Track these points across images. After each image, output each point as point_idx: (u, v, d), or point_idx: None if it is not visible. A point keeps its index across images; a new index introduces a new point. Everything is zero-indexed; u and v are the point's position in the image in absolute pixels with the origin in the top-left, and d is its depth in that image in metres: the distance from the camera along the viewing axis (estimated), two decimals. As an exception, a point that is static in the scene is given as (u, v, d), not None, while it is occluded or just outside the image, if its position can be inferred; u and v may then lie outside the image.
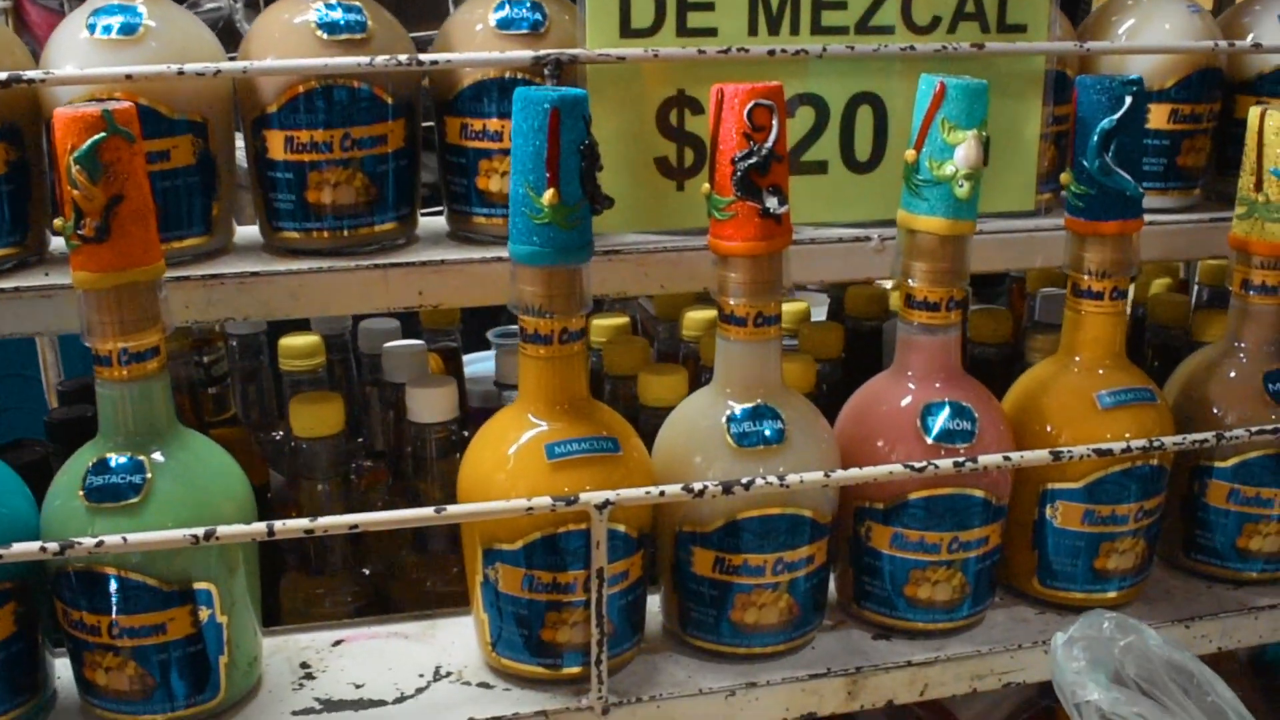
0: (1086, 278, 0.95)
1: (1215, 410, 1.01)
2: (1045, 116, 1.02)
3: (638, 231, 0.97)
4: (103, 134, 0.72)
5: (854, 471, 0.88)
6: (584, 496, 0.83)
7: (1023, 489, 0.97)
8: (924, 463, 0.88)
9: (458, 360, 1.32)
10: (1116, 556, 0.98)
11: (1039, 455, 0.91)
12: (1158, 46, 1.04)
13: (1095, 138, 0.90)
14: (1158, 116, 1.07)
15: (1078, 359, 0.97)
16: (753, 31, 0.94)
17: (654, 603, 0.97)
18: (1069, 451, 0.91)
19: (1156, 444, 0.93)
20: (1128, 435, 0.94)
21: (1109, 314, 0.96)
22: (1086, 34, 1.09)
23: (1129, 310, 1.34)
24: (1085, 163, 0.91)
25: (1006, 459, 0.90)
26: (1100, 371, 0.97)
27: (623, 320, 1.28)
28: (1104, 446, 0.92)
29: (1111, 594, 1.00)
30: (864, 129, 0.99)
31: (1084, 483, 0.95)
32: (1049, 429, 0.96)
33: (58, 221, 0.76)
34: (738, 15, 0.94)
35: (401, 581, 1.07)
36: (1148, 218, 0.98)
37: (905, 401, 0.92)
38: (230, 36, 1.60)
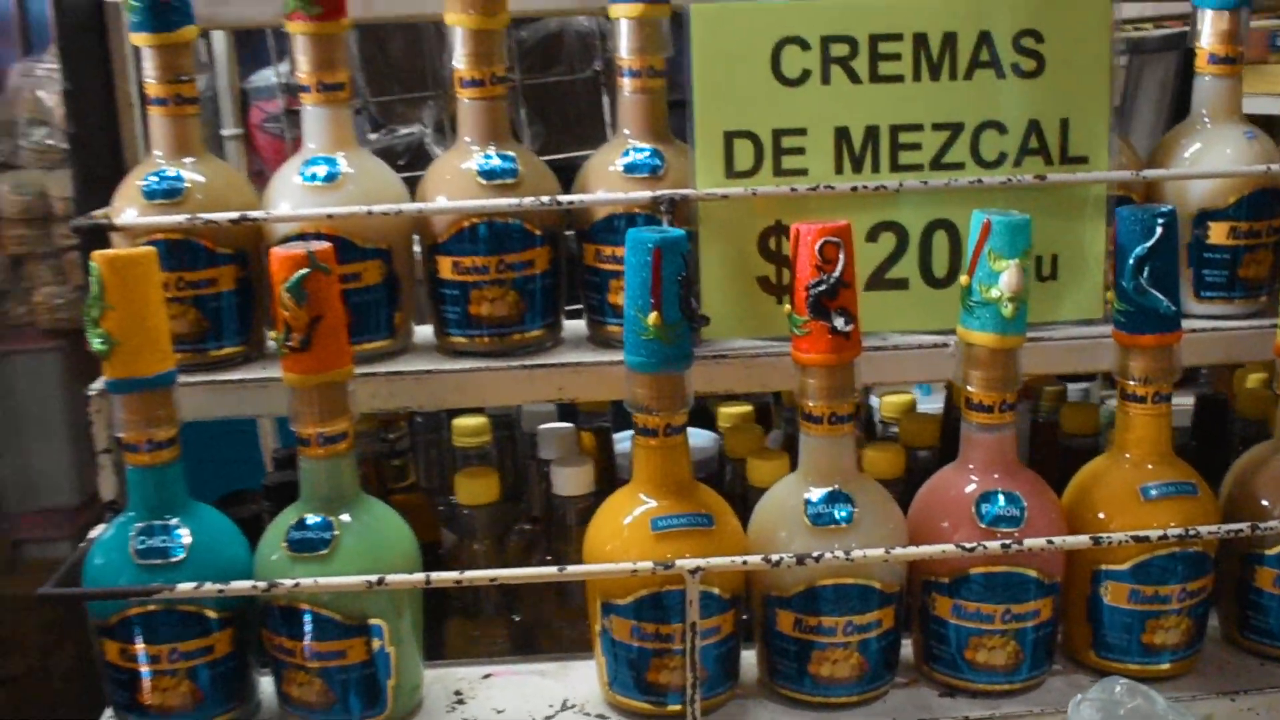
0: (1131, 383, 1.08)
1: (1262, 501, 1.12)
2: (1109, 235, 1.16)
3: (744, 338, 1.15)
4: (306, 270, 0.95)
5: (910, 550, 1.03)
6: (679, 562, 1.00)
7: (1077, 569, 1.10)
8: (974, 544, 1.03)
9: (608, 438, 1.52)
10: (1163, 633, 1.10)
11: (1080, 540, 1.04)
12: (1208, 172, 1.17)
13: (1130, 262, 1.04)
14: (1218, 233, 1.19)
15: (1127, 455, 1.10)
16: (838, 170, 1.12)
17: (752, 656, 1.13)
18: (1108, 537, 1.04)
19: (1191, 533, 1.05)
20: (1170, 524, 1.07)
21: (1153, 415, 1.09)
22: (1155, 160, 1.22)
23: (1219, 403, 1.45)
24: (1123, 284, 1.05)
25: (1050, 543, 1.04)
26: (1147, 466, 1.09)
27: (746, 409, 1.45)
28: (1141, 534, 1.05)
29: (1164, 666, 1.11)
30: (940, 250, 1.14)
31: (1130, 565, 1.08)
32: (1100, 516, 1.09)
33: (271, 333, 0.98)
34: (825, 157, 1.11)
35: (544, 628, 1.27)
36: (1214, 324, 1.10)
37: (964, 489, 1.07)
38: (421, 156, 1.87)
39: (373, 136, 1.86)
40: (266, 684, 1.10)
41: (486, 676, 1.17)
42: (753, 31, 1.09)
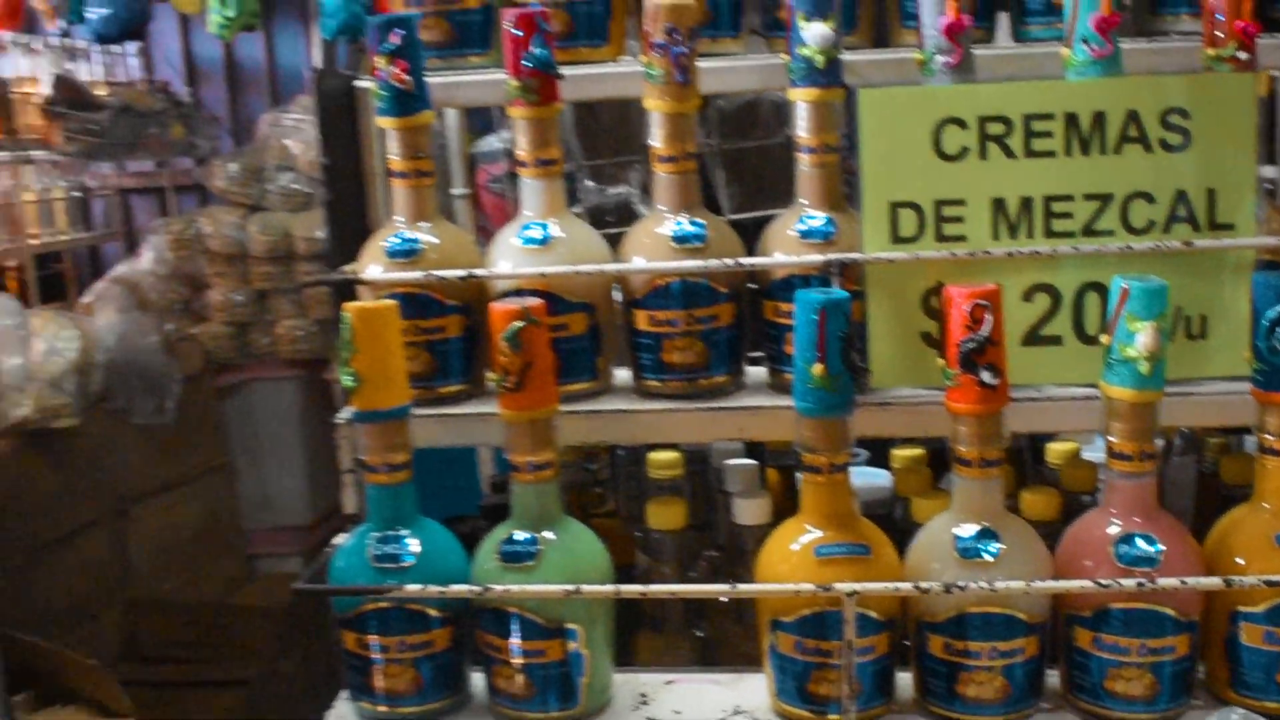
0: (1268, 437, 1.16)
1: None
2: (1254, 299, 1.24)
3: (907, 387, 1.27)
4: (521, 323, 1.12)
5: (1048, 584, 1.14)
6: (838, 586, 1.13)
7: (1216, 610, 1.18)
8: (1109, 581, 1.12)
9: (792, 475, 1.64)
10: (1299, 673, 1.17)
11: (1212, 582, 1.13)
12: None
13: (1264, 324, 1.12)
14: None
15: (1265, 504, 1.18)
16: (995, 237, 1.23)
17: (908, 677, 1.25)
18: (1240, 580, 1.13)
19: (1323, 580, 1.13)
20: (1305, 571, 1.14)
21: (1289, 468, 1.16)
22: (1308, 229, 1.29)
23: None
24: (1259, 344, 1.13)
25: (1183, 583, 1.12)
26: (1285, 516, 1.17)
27: (919, 452, 1.57)
28: (1273, 579, 1.12)
29: (1302, 705, 1.18)
30: (1092, 310, 1.24)
31: (1264, 608, 1.16)
32: (1237, 561, 1.17)
33: (490, 375, 1.15)
34: (982, 225, 1.23)
35: (722, 644, 1.41)
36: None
37: (1105, 531, 1.17)
38: (628, 214, 2.04)
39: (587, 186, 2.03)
40: (476, 679, 1.27)
41: (669, 682, 1.31)
42: (916, 113, 1.21)
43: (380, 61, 1.26)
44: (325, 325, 3.76)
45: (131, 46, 4.20)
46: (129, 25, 3.63)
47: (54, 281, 4.10)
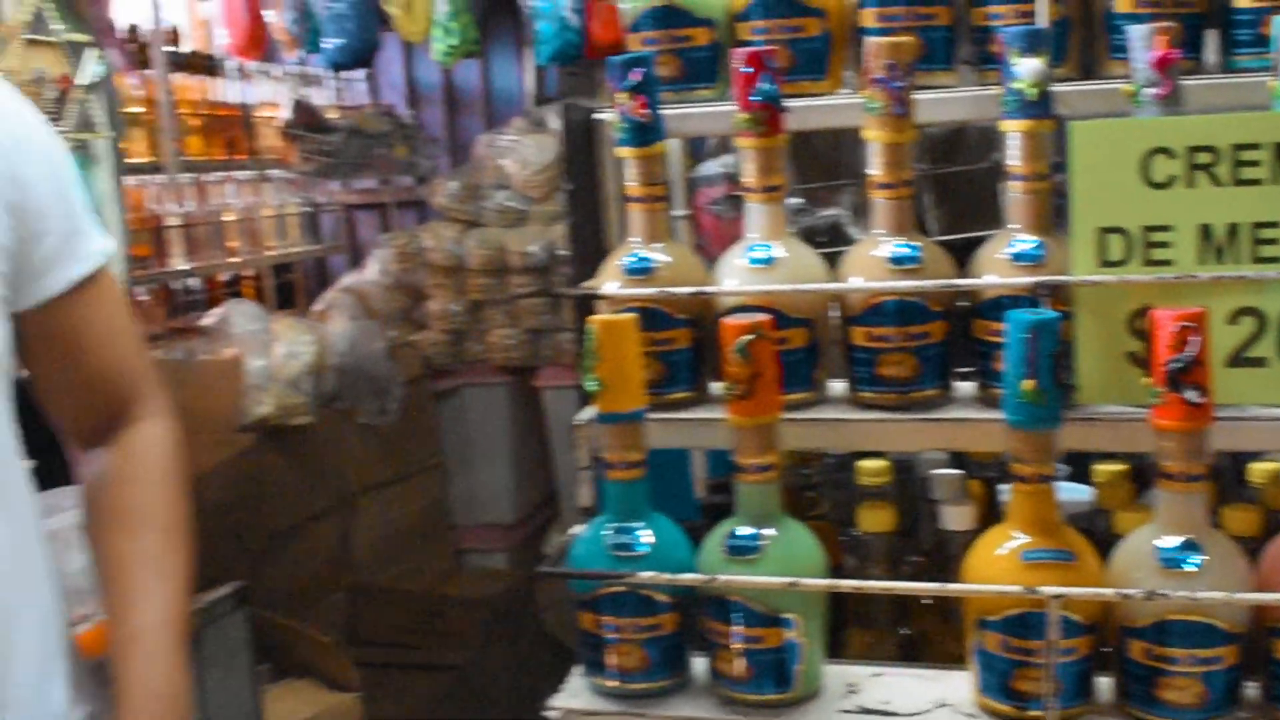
0: None
1: None
2: None
3: (1113, 404, 1.33)
4: (751, 336, 1.22)
5: (1246, 595, 1.19)
6: (1043, 589, 1.21)
7: None
8: (1311, 593, 1.17)
9: (994, 487, 1.71)
10: None
11: None
12: None
13: None
14: None
15: None
16: (1201, 262, 1.29)
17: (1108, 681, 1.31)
18: None
19: None
20: None
21: None
22: None
23: None
24: None
25: (1385, 599, 1.16)
26: None
27: (1122, 467, 1.62)
28: None
29: None
30: (1299, 334, 1.29)
31: None
32: None
33: (722, 384, 1.27)
34: (1189, 250, 1.28)
35: (927, 643, 1.49)
36: None
37: (1309, 547, 1.21)
38: (839, 236, 2.13)
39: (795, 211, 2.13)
40: (697, 663, 1.38)
41: (876, 675, 1.40)
42: (1125, 143, 1.28)
43: (621, 97, 1.38)
44: (534, 335, 3.95)
45: (359, 73, 4.47)
46: (360, 54, 3.88)
47: (285, 290, 4.40)
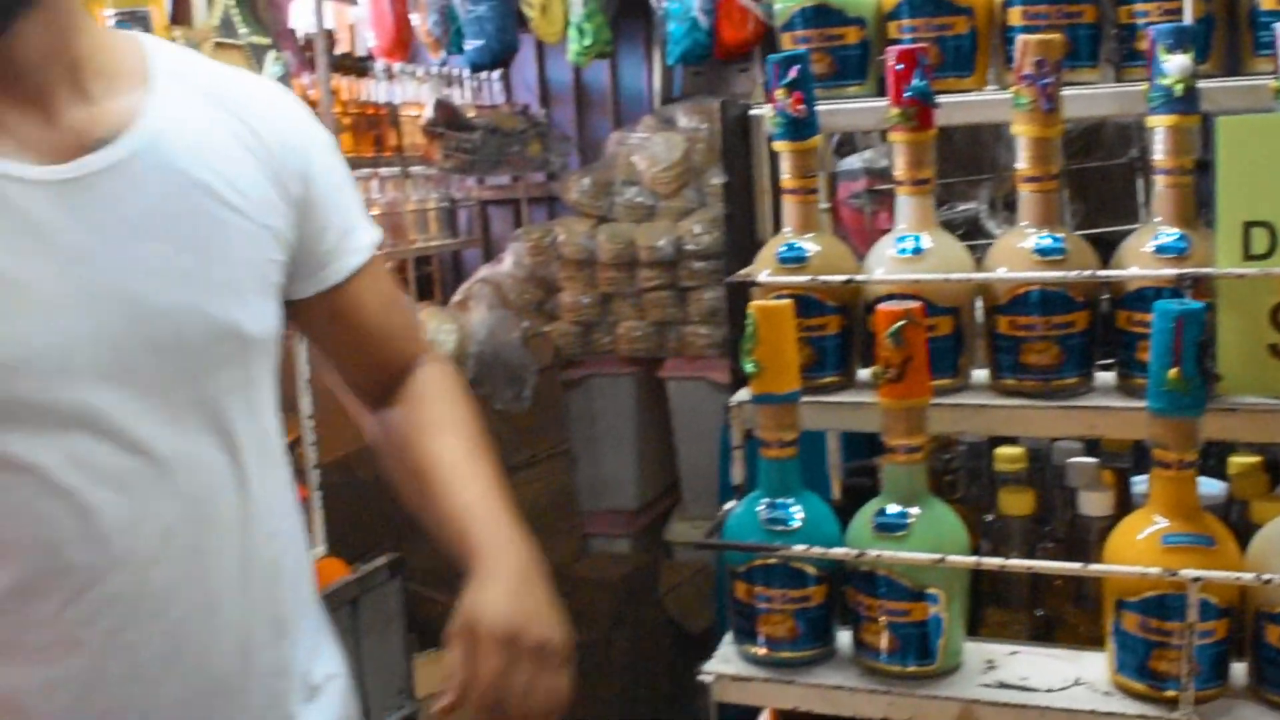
0: None
1: None
2: None
3: (1254, 395, 1.37)
4: (904, 322, 1.29)
5: (1391, 579, 1.22)
6: (1183, 572, 1.25)
7: None
8: None
9: (1126, 478, 1.75)
10: None
11: None
12: None
13: None
14: None
15: None
16: (1349, 257, 1.31)
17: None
18: None
19: None
20: None
21: None
22: None
23: None
24: None
25: None
26: None
27: (1256, 459, 1.64)
28: None
29: None
30: None
31: None
32: None
33: (874, 369, 1.33)
34: (1336, 247, 1.32)
35: (1061, 624, 1.53)
36: None
37: None
38: (976, 229, 2.17)
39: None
40: (842, 637, 1.44)
41: (1013, 653, 1.45)
42: (1272, 139, 1.31)
43: (779, 94, 1.45)
44: (661, 327, 4.04)
45: (495, 73, 4.59)
46: (499, 55, 4.01)
47: (423, 282, 4.55)
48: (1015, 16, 1.51)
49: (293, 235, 1.25)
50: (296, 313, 1.31)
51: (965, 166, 2.23)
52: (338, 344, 1.36)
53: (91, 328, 1.08)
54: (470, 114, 4.19)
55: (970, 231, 2.12)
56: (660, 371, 4.08)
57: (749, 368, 1.36)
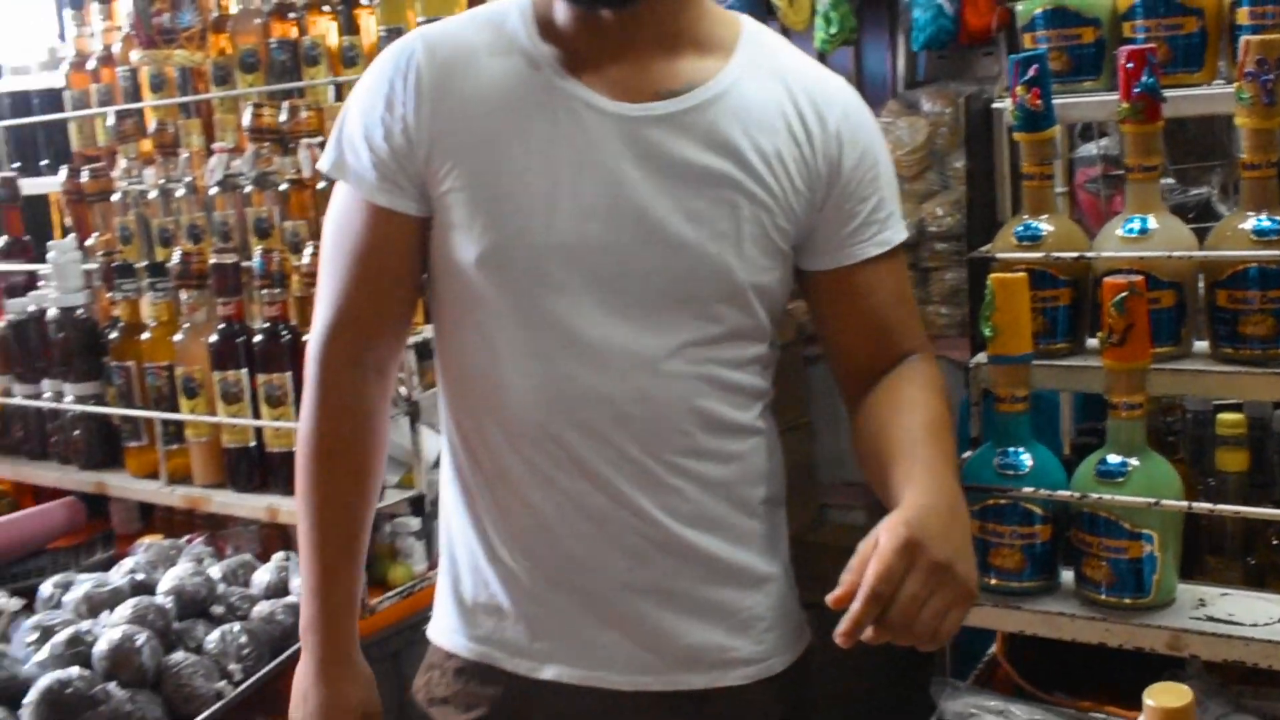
0: None
1: None
2: None
3: None
4: (1126, 293, 1.47)
5: None
6: (1383, 518, 1.39)
7: None
8: None
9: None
10: None
11: None
12: None
13: None
14: None
15: None
16: None
17: None
18: None
19: None
20: None
21: None
22: None
23: None
24: None
25: None
26: None
27: None
28: None
29: None
30: None
31: None
32: None
33: (1100, 335, 1.51)
34: None
35: (1273, 571, 1.68)
36: None
37: None
38: (1208, 213, 2.29)
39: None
40: (1065, 573, 1.63)
41: (1224, 594, 1.61)
42: None
43: (1019, 90, 1.64)
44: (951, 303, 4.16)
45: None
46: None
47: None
48: (1243, 16, 1.65)
49: (807, 212, 1.39)
50: (809, 284, 1.46)
51: (1198, 154, 2.34)
52: (841, 324, 1.48)
53: (606, 236, 1.33)
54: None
55: (1202, 214, 2.24)
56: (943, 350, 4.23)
57: (986, 332, 1.55)
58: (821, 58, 5.08)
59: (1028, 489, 1.55)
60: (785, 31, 4.82)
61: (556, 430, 1.36)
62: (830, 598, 1.20)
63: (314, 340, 1.44)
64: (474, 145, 1.35)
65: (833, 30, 4.25)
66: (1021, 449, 1.58)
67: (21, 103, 3.10)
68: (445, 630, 1.50)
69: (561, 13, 1.37)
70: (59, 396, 2.67)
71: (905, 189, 4.26)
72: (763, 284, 1.39)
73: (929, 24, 4.14)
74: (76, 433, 2.64)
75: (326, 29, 2.53)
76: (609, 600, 1.40)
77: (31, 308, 2.70)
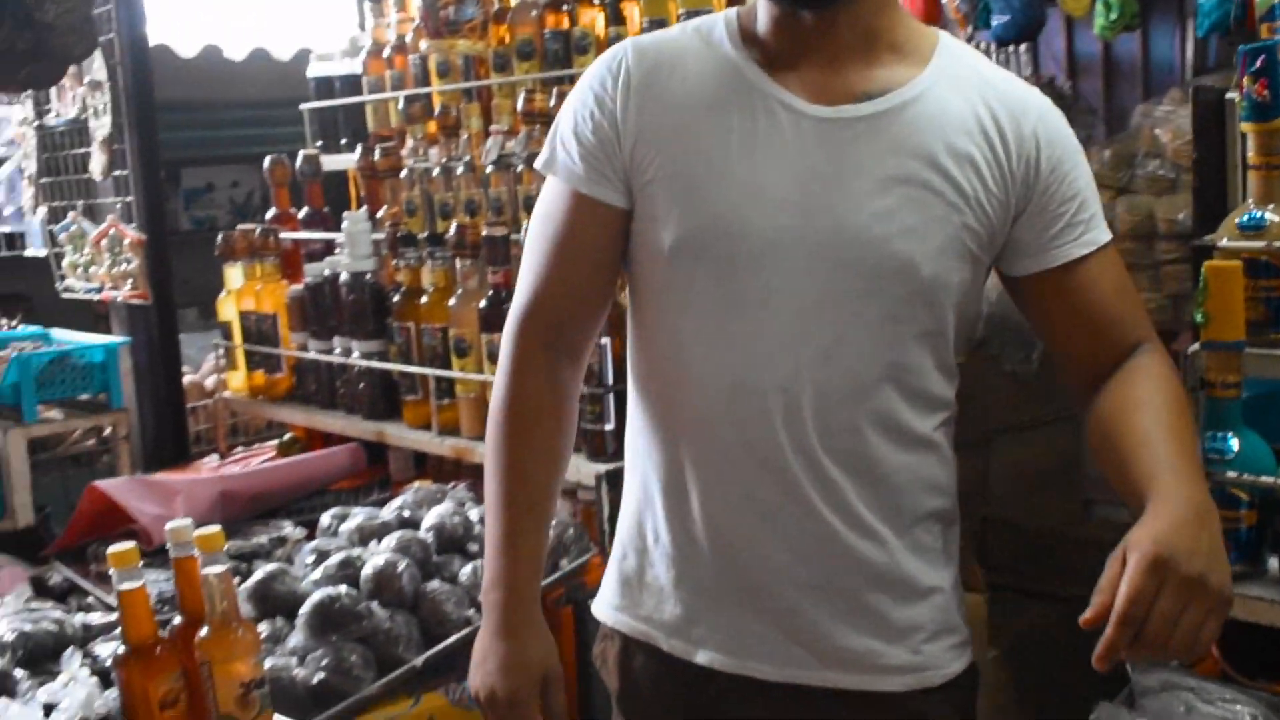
0: None
1: None
2: None
3: None
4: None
5: None
6: None
7: None
8: None
9: None
10: None
11: None
12: None
13: None
14: None
15: None
16: None
17: None
18: None
19: None
20: None
21: None
22: None
23: None
24: None
25: None
26: None
27: None
28: None
29: None
30: None
31: None
32: None
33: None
34: None
35: None
36: None
37: None
38: None
39: None
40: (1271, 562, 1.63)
41: None
42: None
43: (1246, 81, 1.64)
44: (1176, 300, 4.07)
45: (1023, 46, 4.76)
46: (1026, 29, 4.19)
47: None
48: None
49: (1001, 215, 1.42)
50: (1022, 289, 1.48)
51: None
52: (1056, 322, 1.49)
53: (799, 230, 1.40)
54: (995, 88, 4.39)
55: None
56: (1175, 345, 4.11)
57: (1199, 318, 1.57)
58: (1105, 47, 4.97)
59: (1232, 473, 1.56)
60: (1067, 17, 4.74)
61: (735, 418, 1.43)
62: (1083, 619, 1.21)
63: (511, 319, 1.54)
64: (675, 139, 1.44)
65: (1113, 16, 4.15)
66: (1230, 434, 1.59)
67: (325, 87, 3.40)
68: (609, 606, 1.59)
69: (764, 19, 1.46)
70: (347, 352, 2.94)
71: (1184, 179, 4.13)
72: (950, 284, 1.43)
73: (1214, 9, 4.00)
74: (361, 386, 2.92)
75: (595, 19, 2.70)
76: (769, 593, 1.45)
77: (326, 272, 2.99)
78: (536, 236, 1.54)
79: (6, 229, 3.97)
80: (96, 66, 3.25)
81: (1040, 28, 4.31)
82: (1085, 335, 1.48)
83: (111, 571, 1.67)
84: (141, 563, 1.69)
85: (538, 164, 1.55)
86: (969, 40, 4.59)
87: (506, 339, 1.55)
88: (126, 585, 1.67)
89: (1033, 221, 1.45)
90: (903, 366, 1.44)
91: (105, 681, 1.82)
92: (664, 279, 1.46)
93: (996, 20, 4.23)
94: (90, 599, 2.32)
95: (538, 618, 1.54)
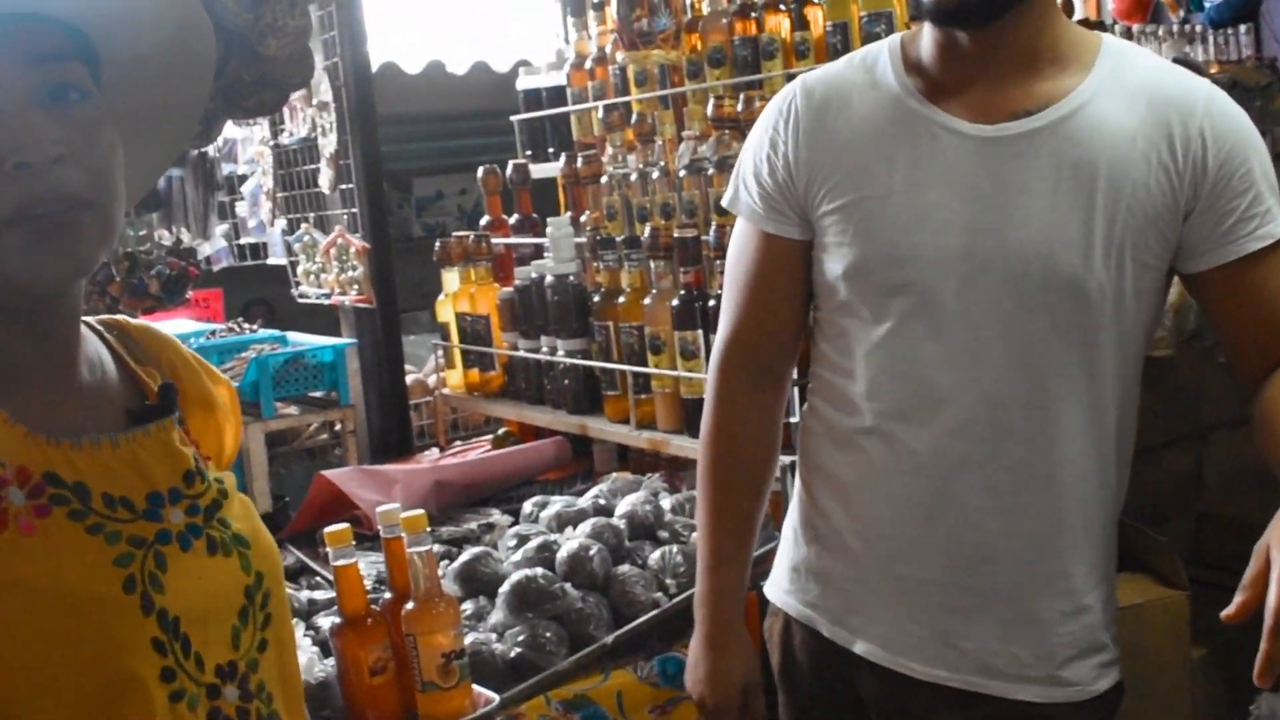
0: None
1: None
2: None
3: None
4: None
5: None
6: None
7: None
8: None
9: None
10: None
11: None
12: None
13: None
14: None
15: None
16: None
17: None
18: None
19: None
20: None
21: None
22: None
23: None
24: None
25: None
26: None
27: None
28: None
29: None
30: None
31: None
32: None
33: None
34: None
35: None
36: None
37: None
38: None
39: None
40: None
41: None
42: None
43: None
44: None
45: (1243, 26, 4.60)
46: (1240, 10, 4.06)
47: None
48: None
49: (1170, 216, 1.44)
50: (1197, 285, 1.50)
51: None
52: (1234, 320, 1.50)
53: (965, 249, 1.45)
54: (1213, 70, 4.26)
55: None
56: None
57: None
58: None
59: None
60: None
61: (908, 430, 1.49)
62: (1224, 614, 1.20)
63: (714, 353, 1.66)
64: (846, 172, 1.52)
65: (1342, -9, 3.99)
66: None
67: (533, 99, 3.56)
68: (778, 589, 1.69)
69: (926, 45, 1.51)
70: (553, 350, 3.09)
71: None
72: (1115, 293, 1.45)
73: None
74: (566, 382, 3.06)
75: (780, 24, 2.78)
76: (924, 592, 1.51)
77: (533, 275, 3.14)
78: (731, 274, 1.65)
79: (251, 240, 4.28)
80: (324, 88, 3.50)
81: (1256, 7, 4.16)
82: (1258, 329, 1.48)
83: (328, 550, 1.85)
84: (354, 544, 1.86)
85: (724, 202, 1.67)
86: (1182, 25, 4.47)
87: (711, 372, 1.66)
88: (341, 561, 1.85)
89: (1204, 219, 1.45)
90: (1073, 377, 1.47)
91: (325, 650, 2.00)
92: (839, 302, 1.55)
93: (1210, 2, 4.11)
94: (318, 578, 2.52)
95: (740, 632, 1.68)
